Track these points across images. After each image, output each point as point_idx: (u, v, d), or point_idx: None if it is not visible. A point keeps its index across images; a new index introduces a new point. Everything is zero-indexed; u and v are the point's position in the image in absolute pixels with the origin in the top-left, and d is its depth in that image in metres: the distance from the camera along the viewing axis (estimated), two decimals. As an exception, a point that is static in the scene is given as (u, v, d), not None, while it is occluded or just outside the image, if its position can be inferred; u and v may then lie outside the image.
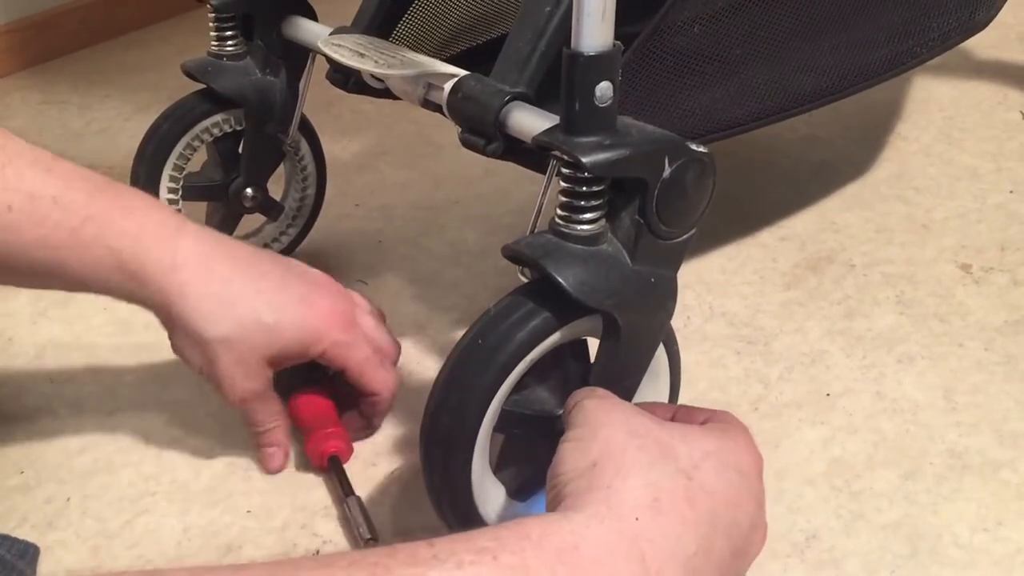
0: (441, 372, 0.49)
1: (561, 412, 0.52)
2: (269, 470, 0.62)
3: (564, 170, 0.49)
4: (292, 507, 0.60)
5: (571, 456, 0.45)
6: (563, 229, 0.49)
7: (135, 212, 0.56)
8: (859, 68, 0.74)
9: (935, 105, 1.04)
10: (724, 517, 0.44)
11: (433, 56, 0.63)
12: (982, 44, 1.12)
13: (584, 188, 0.48)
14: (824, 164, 0.95)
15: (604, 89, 0.46)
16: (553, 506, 0.44)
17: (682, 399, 0.62)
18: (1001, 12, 0.86)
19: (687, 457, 0.45)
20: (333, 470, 0.61)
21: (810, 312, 0.75)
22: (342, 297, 0.62)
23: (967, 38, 0.83)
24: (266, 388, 0.60)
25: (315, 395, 0.64)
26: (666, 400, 0.57)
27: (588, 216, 0.49)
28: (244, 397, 0.59)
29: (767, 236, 0.84)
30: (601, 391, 0.50)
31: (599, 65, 0.45)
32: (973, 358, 0.70)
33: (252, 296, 0.58)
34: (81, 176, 0.56)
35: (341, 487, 0.59)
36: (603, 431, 0.46)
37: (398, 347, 0.65)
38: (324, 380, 0.64)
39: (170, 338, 0.59)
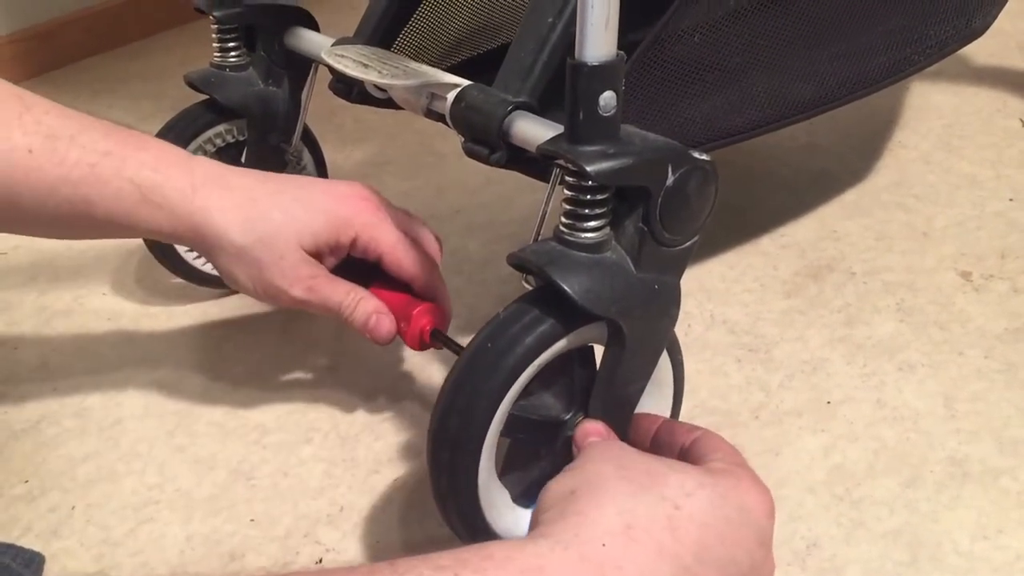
0: (450, 375, 0.49)
1: (567, 417, 0.53)
2: (381, 339, 0.60)
3: (568, 179, 0.49)
4: (295, 515, 0.60)
5: (554, 485, 0.46)
6: (567, 237, 0.49)
7: (150, 146, 0.58)
8: (858, 76, 0.74)
9: (934, 113, 1.04)
10: (716, 551, 0.42)
11: (435, 66, 0.64)
12: (981, 52, 1.12)
13: (588, 196, 0.49)
14: (824, 172, 0.95)
15: (608, 98, 0.46)
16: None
17: (683, 408, 0.62)
18: (1000, 20, 0.86)
19: (678, 486, 0.44)
20: (439, 341, 0.60)
21: (811, 320, 0.75)
22: (367, 188, 0.62)
23: (964, 45, 0.83)
24: (325, 272, 0.60)
25: (383, 290, 0.62)
26: (669, 409, 0.57)
27: (592, 224, 0.49)
28: (308, 285, 0.58)
29: (768, 244, 0.84)
30: (610, 438, 0.51)
31: (603, 75, 0.46)
32: (973, 366, 0.70)
33: (274, 196, 0.59)
34: (95, 120, 0.58)
35: (457, 353, 0.59)
36: (592, 465, 0.46)
37: (438, 241, 0.64)
38: (391, 283, 0.63)
39: (215, 266, 0.60)
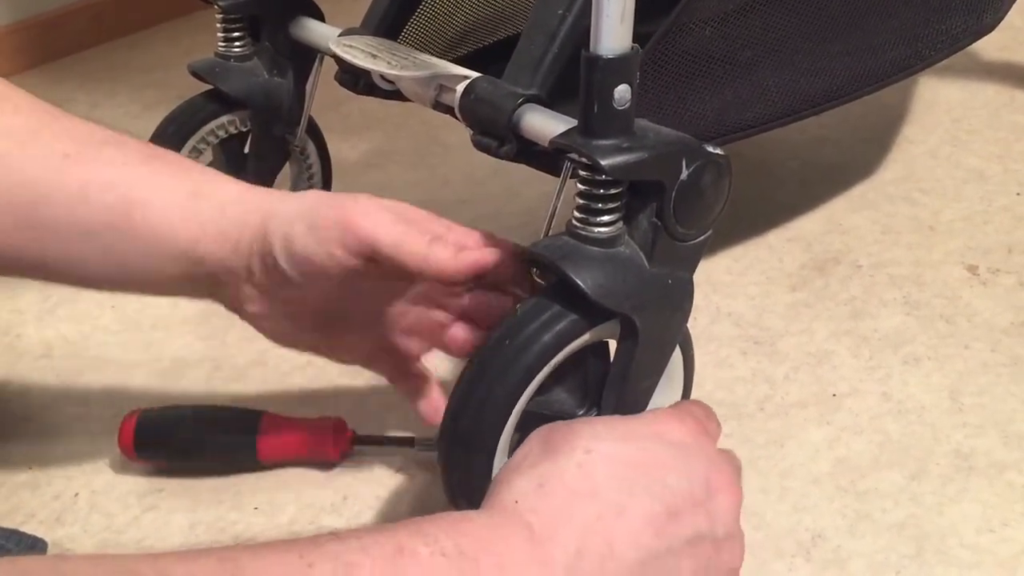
0: (464, 373, 0.49)
1: (581, 412, 0.52)
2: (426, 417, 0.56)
3: (582, 173, 0.49)
4: (299, 504, 0.60)
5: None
6: (581, 231, 0.49)
7: (197, 166, 0.54)
8: (869, 70, 0.74)
9: (942, 107, 1.04)
10: (640, 480, 0.43)
11: (441, 57, 0.64)
12: (990, 46, 1.12)
13: (602, 191, 0.48)
14: (831, 165, 0.95)
15: (622, 92, 0.46)
16: None
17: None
18: (1009, 14, 0.86)
19: (589, 434, 0.45)
20: (365, 443, 0.61)
21: (817, 313, 0.75)
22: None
23: (975, 40, 0.83)
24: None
25: (281, 432, 0.61)
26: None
27: (606, 218, 0.49)
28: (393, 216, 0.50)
29: (774, 237, 0.84)
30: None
31: (617, 68, 0.45)
32: (979, 359, 0.70)
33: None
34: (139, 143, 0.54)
35: (398, 443, 0.60)
36: (522, 448, 0.47)
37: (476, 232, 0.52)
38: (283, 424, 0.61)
39: (280, 256, 0.50)
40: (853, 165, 0.94)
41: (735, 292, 0.78)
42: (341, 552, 0.37)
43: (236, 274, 0.52)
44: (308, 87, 0.75)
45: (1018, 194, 0.89)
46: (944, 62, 0.82)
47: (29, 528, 0.58)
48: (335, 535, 0.38)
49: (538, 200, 0.90)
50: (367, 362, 0.58)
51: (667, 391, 0.55)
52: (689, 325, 0.71)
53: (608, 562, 0.40)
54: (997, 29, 0.84)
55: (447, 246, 0.49)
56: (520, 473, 0.44)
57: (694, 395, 0.65)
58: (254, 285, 0.52)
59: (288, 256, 0.50)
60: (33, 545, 0.55)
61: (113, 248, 0.51)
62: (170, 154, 0.53)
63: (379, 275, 0.51)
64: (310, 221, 0.50)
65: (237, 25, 0.73)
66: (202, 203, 0.51)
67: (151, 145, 0.54)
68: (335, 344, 0.56)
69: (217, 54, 0.74)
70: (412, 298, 0.56)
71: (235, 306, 0.54)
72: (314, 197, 0.52)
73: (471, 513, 0.43)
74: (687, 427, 0.47)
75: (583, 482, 0.42)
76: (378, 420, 0.66)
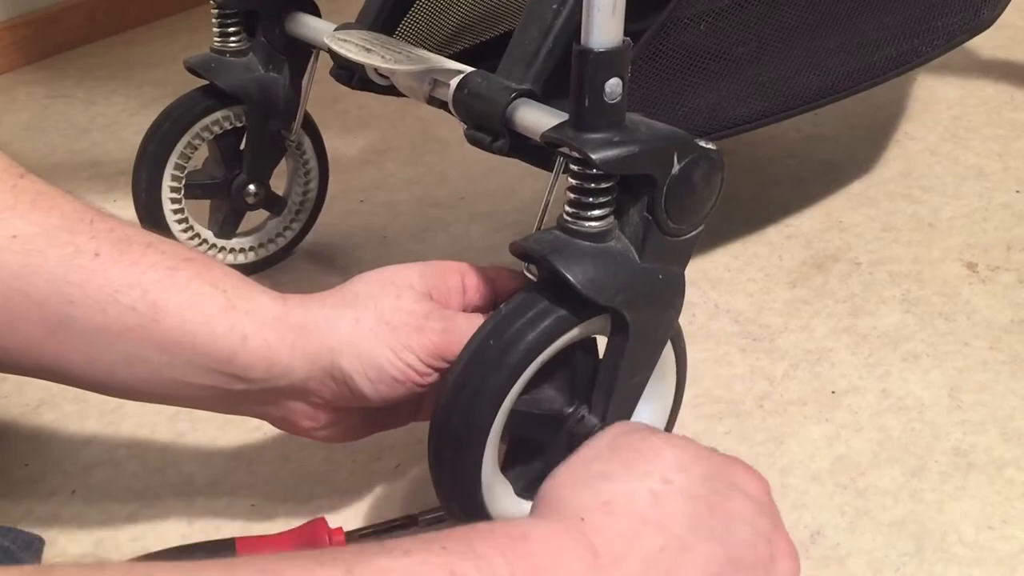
0: (451, 372, 0.48)
1: (570, 411, 0.52)
2: None
3: (573, 167, 0.48)
4: (296, 501, 0.60)
5: (549, 478, 0.46)
6: (571, 226, 0.49)
7: (232, 274, 0.51)
8: (865, 66, 0.74)
9: (942, 104, 1.04)
10: (708, 522, 0.42)
11: (437, 53, 0.63)
12: (989, 44, 1.12)
13: (593, 185, 0.48)
14: (830, 163, 0.94)
15: (614, 86, 0.46)
16: None
17: (687, 397, 0.61)
18: (1008, 13, 0.86)
19: (672, 462, 0.44)
20: (361, 536, 0.56)
21: (816, 310, 0.75)
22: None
23: (972, 37, 0.83)
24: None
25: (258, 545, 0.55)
26: (671, 398, 0.56)
27: (597, 213, 0.48)
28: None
29: (773, 234, 0.84)
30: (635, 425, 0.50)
31: (609, 61, 0.45)
32: (979, 357, 0.70)
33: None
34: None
35: (396, 525, 0.57)
36: (584, 450, 0.46)
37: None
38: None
39: (339, 375, 0.49)
40: (851, 162, 0.94)
41: (734, 289, 0.77)
42: (388, 570, 0.36)
43: (284, 392, 0.50)
44: (304, 83, 0.74)
45: (1017, 191, 0.89)
46: (942, 59, 0.82)
47: (25, 525, 0.58)
48: (383, 547, 0.37)
49: (535, 197, 0.89)
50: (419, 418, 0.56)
51: (659, 388, 0.55)
52: (687, 322, 0.70)
53: None
54: (995, 27, 0.84)
55: None
56: (586, 484, 0.43)
57: (692, 392, 0.65)
58: (308, 402, 0.51)
59: (372, 383, 0.49)
60: (30, 542, 0.55)
61: (137, 355, 0.48)
62: (207, 260, 0.51)
63: None
64: (393, 345, 0.49)
65: (233, 20, 0.73)
66: (238, 317, 0.48)
67: (189, 249, 0.52)
68: (390, 424, 0.56)
69: (213, 49, 0.74)
70: None
71: (283, 424, 0.53)
72: (377, 314, 0.50)
73: (529, 527, 0.41)
74: (763, 486, 0.47)
75: (653, 511, 0.42)
76: (352, 490, 0.62)
